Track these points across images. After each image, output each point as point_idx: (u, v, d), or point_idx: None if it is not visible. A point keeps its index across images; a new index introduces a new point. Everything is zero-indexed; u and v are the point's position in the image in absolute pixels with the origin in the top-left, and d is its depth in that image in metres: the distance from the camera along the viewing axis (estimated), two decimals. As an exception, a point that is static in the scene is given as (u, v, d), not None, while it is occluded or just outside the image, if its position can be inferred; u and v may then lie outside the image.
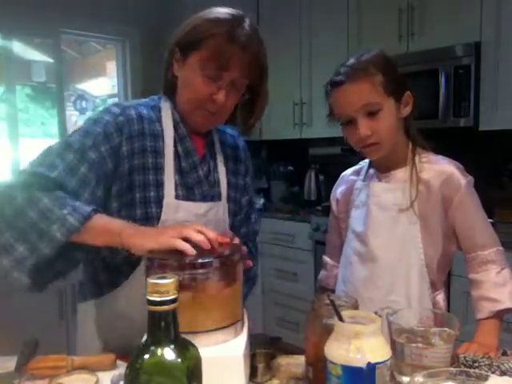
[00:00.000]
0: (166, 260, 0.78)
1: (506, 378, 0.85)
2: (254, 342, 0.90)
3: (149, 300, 0.58)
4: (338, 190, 1.31)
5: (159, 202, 1.02)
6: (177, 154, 1.06)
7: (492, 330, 1.06)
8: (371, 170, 1.23)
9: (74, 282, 2.89)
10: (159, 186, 1.03)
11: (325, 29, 3.02)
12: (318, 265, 2.75)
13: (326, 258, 1.36)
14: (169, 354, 0.59)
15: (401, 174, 1.16)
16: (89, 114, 4.15)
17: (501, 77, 2.28)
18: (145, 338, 0.60)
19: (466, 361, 0.90)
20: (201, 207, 1.07)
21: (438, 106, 2.42)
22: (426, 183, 1.13)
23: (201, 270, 0.77)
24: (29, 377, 0.90)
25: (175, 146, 1.06)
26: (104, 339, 1.09)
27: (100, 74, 4.29)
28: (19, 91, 3.44)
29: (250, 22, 1.03)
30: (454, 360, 0.90)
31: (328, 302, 0.83)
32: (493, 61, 2.29)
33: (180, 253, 0.80)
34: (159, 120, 1.07)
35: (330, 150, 3.18)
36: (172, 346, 0.59)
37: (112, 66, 3.86)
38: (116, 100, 3.79)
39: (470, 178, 1.13)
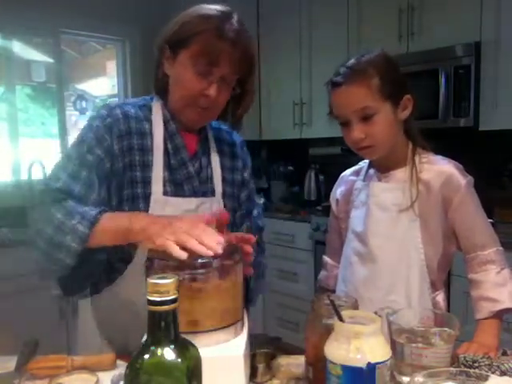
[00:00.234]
0: (166, 260, 0.78)
1: (506, 377, 0.86)
2: (253, 341, 0.90)
3: (149, 300, 0.58)
4: (338, 190, 1.31)
5: (147, 198, 1.04)
6: (166, 151, 1.07)
7: (492, 330, 1.06)
8: (371, 170, 1.23)
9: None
10: (146, 182, 1.05)
11: (325, 29, 3.01)
12: (318, 265, 2.76)
13: (326, 258, 1.36)
14: (169, 354, 0.59)
15: (401, 174, 1.16)
16: (89, 113, 4.15)
17: (501, 77, 2.28)
18: (145, 337, 0.60)
19: (466, 361, 0.90)
20: (191, 203, 1.07)
21: (437, 106, 2.42)
22: (426, 183, 1.13)
23: (201, 270, 0.77)
24: (29, 377, 0.90)
25: (165, 144, 1.07)
26: (104, 335, 1.10)
27: (100, 74, 4.29)
28: (19, 91, 3.44)
29: (237, 17, 1.04)
30: (454, 360, 0.90)
31: (328, 302, 0.83)
32: (493, 61, 2.29)
33: None
34: (147, 119, 1.08)
35: (330, 150, 3.18)
36: (172, 346, 0.59)
37: (112, 66, 3.86)
38: (116, 100, 3.79)
39: (470, 178, 1.13)
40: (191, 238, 0.77)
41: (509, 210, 2.38)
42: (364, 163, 1.27)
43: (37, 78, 3.60)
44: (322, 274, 1.36)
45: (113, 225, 0.90)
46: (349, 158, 1.26)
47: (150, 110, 1.10)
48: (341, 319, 0.77)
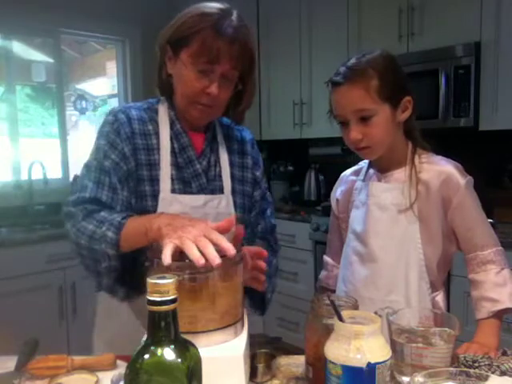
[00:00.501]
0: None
1: (506, 377, 0.86)
2: (253, 342, 0.90)
3: (149, 300, 0.58)
4: (338, 190, 1.31)
5: (155, 196, 1.06)
6: (173, 151, 1.09)
7: (492, 330, 1.06)
8: (371, 170, 1.23)
9: (75, 280, 2.89)
10: (154, 181, 1.07)
11: (325, 29, 3.02)
12: (318, 265, 2.76)
13: (327, 258, 1.36)
14: (169, 354, 0.59)
15: (400, 174, 1.16)
16: (88, 113, 4.15)
17: (501, 77, 2.28)
18: (145, 337, 0.60)
19: (466, 361, 0.90)
20: (198, 200, 1.09)
21: (438, 106, 2.42)
22: (426, 184, 1.13)
23: (201, 270, 0.77)
24: (29, 377, 0.90)
25: (172, 143, 1.10)
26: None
27: (100, 74, 4.30)
28: (19, 91, 3.44)
29: (236, 14, 1.04)
30: (454, 360, 0.90)
31: (328, 302, 0.83)
32: (493, 61, 2.29)
33: (180, 254, 0.80)
34: (152, 120, 1.11)
35: (330, 149, 3.18)
36: (172, 346, 0.59)
37: (112, 66, 3.87)
38: (116, 100, 3.80)
39: (470, 178, 1.13)
40: (193, 246, 0.77)
41: (509, 209, 2.38)
42: (364, 163, 1.27)
43: (37, 78, 3.61)
44: (323, 273, 1.36)
45: (136, 226, 0.91)
46: (349, 157, 1.26)
47: (156, 111, 1.12)
48: (341, 319, 0.77)
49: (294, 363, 0.99)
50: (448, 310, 1.30)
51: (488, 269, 1.09)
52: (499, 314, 1.07)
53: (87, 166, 1.06)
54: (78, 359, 0.93)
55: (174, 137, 1.10)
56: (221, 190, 1.13)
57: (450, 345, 0.84)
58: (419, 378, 0.69)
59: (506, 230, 2.15)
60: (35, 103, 3.88)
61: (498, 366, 0.88)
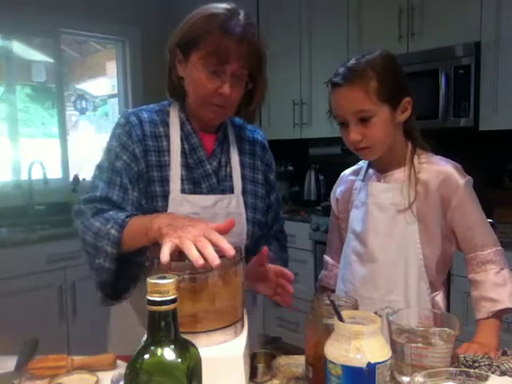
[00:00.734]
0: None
1: (506, 377, 0.86)
2: (253, 342, 0.90)
3: (149, 300, 0.58)
4: (338, 190, 1.32)
5: (165, 196, 1.07)
6: (183, 152, 1.11)
7: (492, 330, 1.06)
8: (370, 170, 1.23)
9: (75, 280, 2.89)
10: (164, 181, 1.08)
11: (325, 29, 3.02)
12: (318, 265, 2.76)
13: (327, 258, 1.36)
14: (169, 354, 0.59)
15: (399, 174, 1.16)
16: (88, 113, 4.15)
17: (501, 77, 2.28)
18: (145, 337, 0.60)
19: (466, 361, 0.90)
20: (208, 200, 1.09)
21: (438, 106, 2.42)
22: (425, 184, 1.13)
23: (201, 271, 0.77)
24: (29, 377, 0.90)
25: (182, 144, 1.11)
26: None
27: (100, 74, 4.29)
28: (19, 91, 3.44)
29: (244, 13, 1.05)
30: (454, 360, 0.90)
31: (328, 301, 0.83)
32: (493, 61, 2.29)
33: (180, 254, 0.80)
34: (164, 122, 1.12)
35: (330, 149, 3.18)
36: (172, 346, 0.59)
37: (112, 66, 3.87)
38: (116, 100, 3.80)
39: (469, 177, 1.13)
40: (192, 246, 0.77)
41: (509, 209, 2.38)
42: (363, 163, 1.27)
43: (37, 77, 3.61)
44: (323, 273, 1.36)
45: (138, 225, 0.92)
46: (349, 158, 1.26)
47: (167, 113, 1.14)
48: (341, 319, 0.77)
49: (294, 363, 0.99)
50: (448, 310, 1.30)
51: (488, 269, 1.09)
52: (499, 314, 1.07)
53: (99, 167, 1.09)
54: (77, 359, 0.93)
55: (185, 138, 1.12)
56: (231, 190, 1.14)
57: (449, 345, 0.84)
58: (419, 377, 0.69)
59: (505, 229, 2.15)
60: (35, 103, 3.88)
61: (498, 366, 0.88)
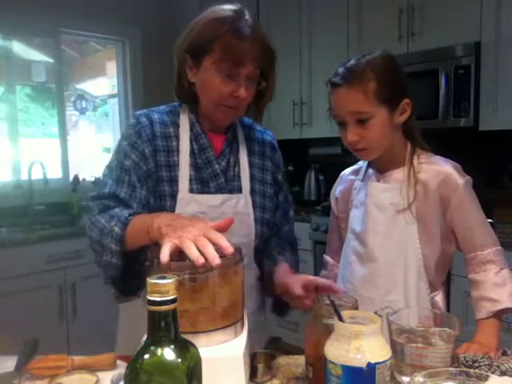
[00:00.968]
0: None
1: (506, 377, 0.86)
2: (253, 342, 0.90)
3: (149, 300, 0.58)
4: (338, 190, 1.32)
5: (173, 196, 1.08)
6: (192, 152, 1.12)
7: (492, 330, 1.06)
8: (370, 170, 1.23)
9: (75, 280, 2.89)
10: (173, 181, 1.09)
11: (325, 29, 3.02)
12: (318, 265, 2.76)
13: (327, 258, 1.36)
14: (169, 354, 0.59)
15: (399, 174, 1.16)
16: (88, 113, 4.16)
17: (501, 77, 2.28)
18: (145, 337, 0.60)
19: (466, 361, 0.90)
20: (215, 199, 1.10)
21: (438, 106, 2.42)
22: (424, 184, 1.13)
23: (201, 270, 0.77)
24: (29, 377, 0.90)
25: (191, 145, 1.12)
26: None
27: (100, 74, 4.30)
28: (19, 91, 3.44)
29: (248, 12, 1.06)
30: (454, 360, 0.90)
31: (328, 301, 0.83)
32: (493, 61, 2.29)
33: (180, 254, 0.80)
34: (174, 123, 1.14)
35: (330, 149, 3.18)
36: (172, 346, 0.59)
37: (112, 66, 3.87)
38: (116, 100, 3.79)
39: (468, 177, 1.13)
40: (192, 245, 0.77)
41: (509, 209, 2.38)
42: (363, 163, 1.27)
43: (37, 78, 3.61)
44: (323, 273, 1.36)
45: (140, 223, 0.93)
46: (348, 158, 1.26)
47: (178, 114, 1.15)
48: (341, 319, 0.77)
49: (294, 363, 0.99)
50: (448, 310, 1.30)
51: (488, 269, 1.09)
52: (499, 314, 1.07)
53: (109, 166, 1.11)
54: (77, 359, 0.93)
55: (194, 138, 1.13)
56: (239, 190, 1.15)
57: (449, 345, 0.84)
58: (419, 377, 0.69)
59: (505, 230, 2.15)
60: (35, 103, 3.89)
61: (498, 366, 0.88)
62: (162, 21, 3.63)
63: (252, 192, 1.16)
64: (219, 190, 1.12)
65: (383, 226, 1.15)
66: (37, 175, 3.06)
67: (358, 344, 0.71)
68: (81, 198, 3.19)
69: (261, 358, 0.96)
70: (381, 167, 1.19)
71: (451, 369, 0.73)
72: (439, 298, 1.17)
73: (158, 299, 0.58)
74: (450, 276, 2.09)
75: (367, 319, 0.77)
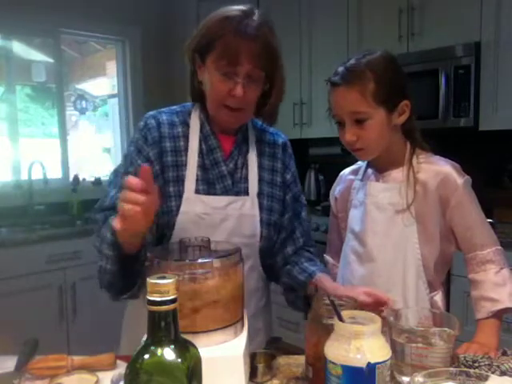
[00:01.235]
0: (166, 260, 0.78)
1: (506, 377, 0.86)
2: (253, 342, 0.90)
3: (149, 300, 0.58)
4: (337, 189, 1.32)
5: (179, 196, 1.08)
6: (201, 152, 1.12)
7: (492, 330, 1.06)
8: (369, 170, 1.23)
9: (75, 280, 2.89)
10: (179, 181, 1.09)
11: (325, 29, 3.02)
12: (318, 265, 2.75)
13: (327, 258, 1.36)
14: (169, 354, 0.59)
15: (398, 174, 1.16)
16: (88, 113, 4.16)
17: (501, 77, 2.28)
18: (145, 337, 0.60)
19: (466, 361, 0.90)
20: (221, 201, 1.10)
21: (438, 106, 2.42)
22: (423, 184, 1.13)
23: (201, 270, 0.77)
24: (29, 377, 0.90)
25: (200, 145, 1.12)
26: None
27: (100, 74, 4.29)
28: (19, 91, 3.44)
29: (259, 13, 1.06)
30: (454, 360, 0.90)
31: (328, 301, 0.83)
32: (493, 61, 2.29)
33: (180, 254, 0.80)
34: (184, 122, 1.14)
35: (330, 149, 3.18)
36: (172, 346, 0.59)
37: (112, 66, 3.86)
38: (116, 100, 3.80)
39: (467, 177, 1.13)
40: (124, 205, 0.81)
41: (509, 209, 2.38)
42: (363, 162, 1.27)
43: (37, 77, 3.61)
44: (322, 273, 1.36)
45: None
46: (348, 158, 1.26)
47: (189, 114, 1.15)
48: (341, 319, 0.77)
49: (294, 363, 0.99)
50: (448, 309, 1.30)
51: (487, 268, 1.10)
52: (499, 314, 1.07)
53: (115, 171, 1.12)
54: (77, 359, 0.93)
55: (203, 139, 1.12)
56: (246, 192, 1.14)
57: (449, 345, 0.84)
58: (419, 377, 0.69)
59: (505, 230, 2.15)
60: (35, 103, 3.89)
61: (498, 366, 0.88)
62: (161, 21, 3.63)
63: (260, 194, 1.15)
64: (225, 192, 1.11)
65: (382, 225, 1.15)
66: (37, 175, 3.06)
67: (358, 344, 0.71)
68: (81, 198, 3.18)
69: (261, 358, 0.96)
70: (380, 167, 1.19)
71: (451, 369, 0.73)
72: (438, 297, 1.17)
73: (158, 299, 0.58)
74: (449, 276, 2.09)
75: (367, 319, 0.77)
